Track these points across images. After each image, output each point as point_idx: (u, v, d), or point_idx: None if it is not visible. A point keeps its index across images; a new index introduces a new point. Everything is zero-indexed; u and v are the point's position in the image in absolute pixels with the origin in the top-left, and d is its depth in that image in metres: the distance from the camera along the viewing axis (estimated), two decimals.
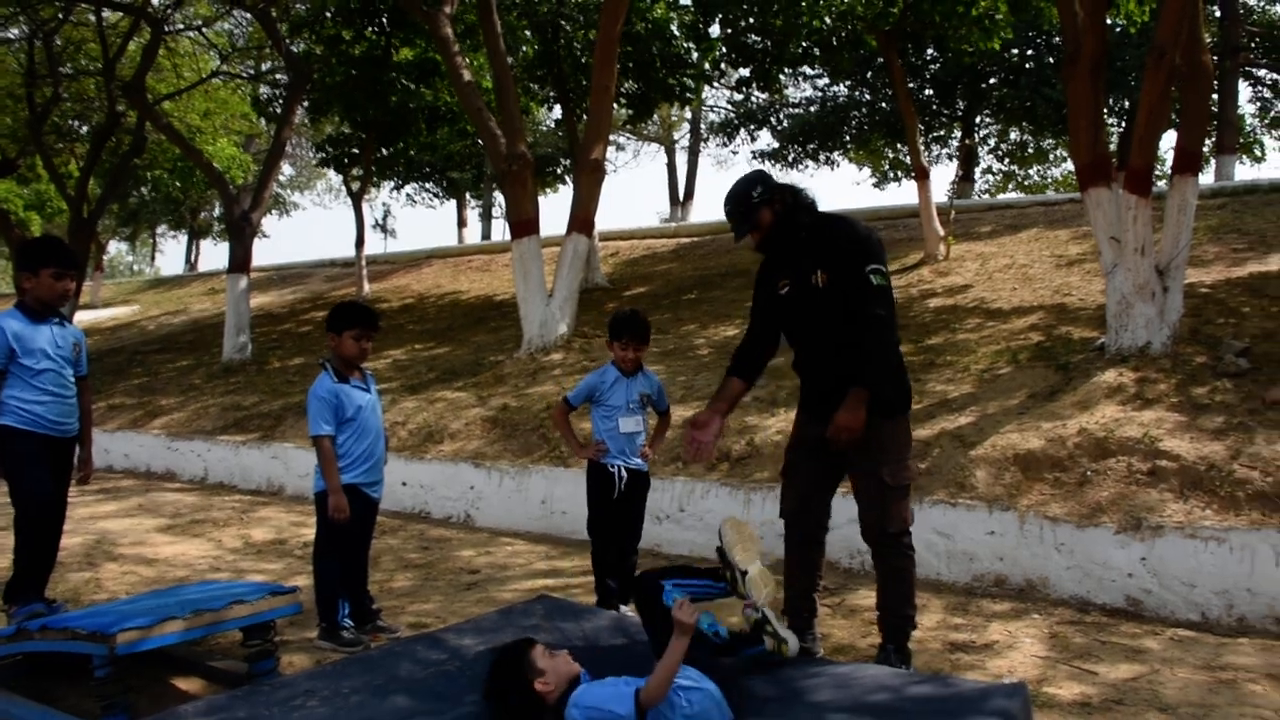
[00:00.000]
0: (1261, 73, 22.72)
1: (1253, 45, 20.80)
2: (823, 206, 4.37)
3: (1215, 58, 18.15)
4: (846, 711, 3.48)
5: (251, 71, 20.13)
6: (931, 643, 4.91)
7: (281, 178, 36.29)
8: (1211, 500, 5.58)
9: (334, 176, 30.48)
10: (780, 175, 12.70)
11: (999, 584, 5.89)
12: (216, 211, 31.83)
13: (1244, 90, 22.63)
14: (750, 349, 4.52)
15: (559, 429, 5.46)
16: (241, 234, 15.84)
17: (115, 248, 57.19)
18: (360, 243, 19.45)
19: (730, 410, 4.49)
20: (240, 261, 15.77)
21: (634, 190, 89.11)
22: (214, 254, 46.39)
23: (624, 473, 5.26)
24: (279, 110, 17.42)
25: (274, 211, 37.92)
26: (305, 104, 17.50)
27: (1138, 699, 4.15)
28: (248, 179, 21.52)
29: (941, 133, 25.27)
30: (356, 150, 19.49)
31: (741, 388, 4.48)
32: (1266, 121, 24.07)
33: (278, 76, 19.07)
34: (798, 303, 4.26)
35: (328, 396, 5.03)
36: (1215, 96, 18.24)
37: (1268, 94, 23.52)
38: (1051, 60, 20.88)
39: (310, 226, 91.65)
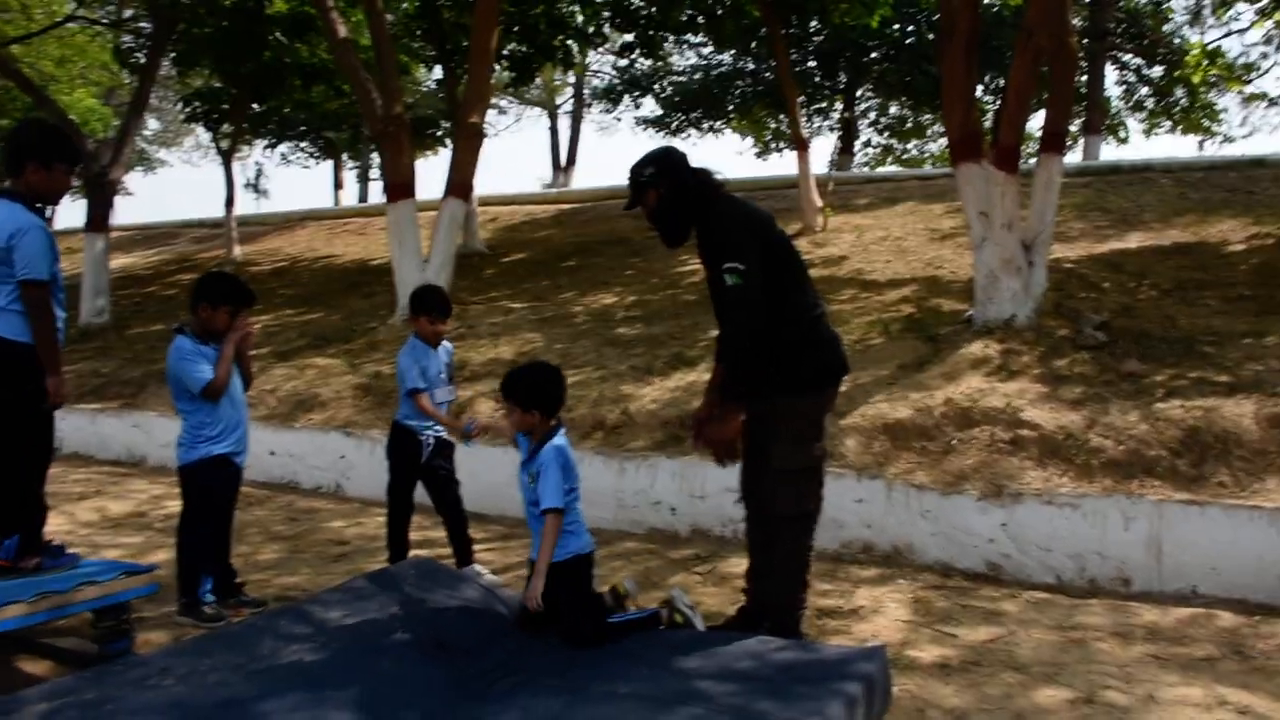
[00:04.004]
0: (1127, 57, 23.52)
1: (1119, 30, 21.51)
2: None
3: (1084, 41, 18.79)
4: (711, 678, 3.51)
5: (111, 17, 19.03)
6: None
7: (146, 133, 34.76)
8: (1068, 468, 5.78)
9: (203, 133, 29.26)
10: (662, 142, 12.63)
11: (866, 550, 6.01)
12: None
13: (1111, 74, 23.44)
14: None
15: (434, 414, 5.43)
16: (100, 191, 15.11)
17: None
18: (230, 203, 18.74)
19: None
20: (98, 220, 15.04)
21: (516, 155, 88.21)
22: (72, 211, 44.33)
23: (432, 440, 5.46)
24: (142, 61, 16.58)
25: (139, 168, 36.38)
26: (171, 55, 16.72)
27: (994, 660, 4.29)
28: (108, 133, 20.44)
29: (823, 105, 25.52)
30: (226, 106, 18.68)
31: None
32: (1131, 104, 24.97)
33: (141, 25, 18.07)
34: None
35: (197, 351, 4.87)
36: (1084, 79, 18.87)
37: (1132, 78, 24.40)
38: (931, 37, 21.24)
39: (178, 185, 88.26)
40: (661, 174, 4.20)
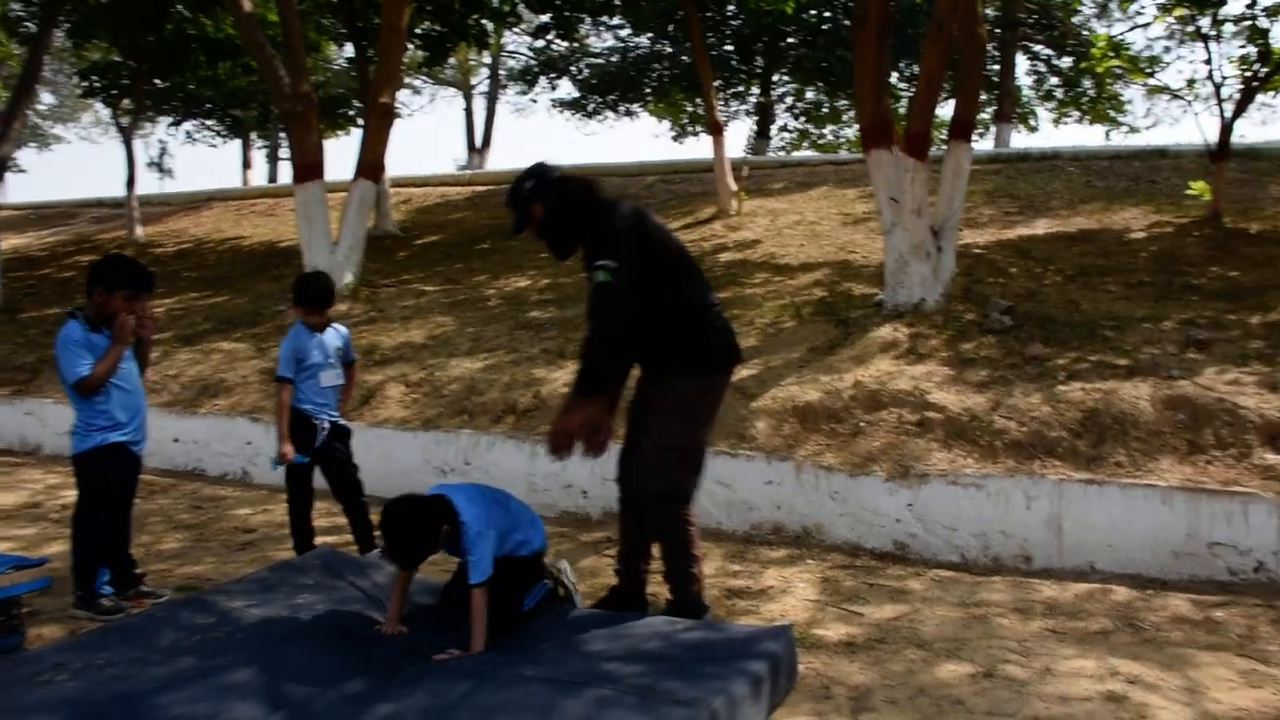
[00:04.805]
0: (1038, 47, 24.02)
1: (1030, 21, 21.94)
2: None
3: (996, 31, 19.14)
4: (618, 659, 3.52)
5: None
6: (710, 590, 5.00)
7: (41, 107, 33.53)
8: (973, 449, 5.90)
9: (102, 109, 28.35)
10: (580, 126, 12.55)
11: (776, 531, 6.06)
12: None
13: (1022, 63, 23.93)
14: None
15: (281, 413, 5.34)
16: None
17: None
18: (131, 182, 18.15)
19: (614, 409, 4.35)
20: None
21: (430, 136, 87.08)
22: None
23: (326, 424, 5.41)
24: (33, 31, 15.91)
25: (32, 145, 35.12)
26: (65, 26, 16.10)
27: (899, 637, 4.36)
28: None
29: (740, 89, 25.64)
30: (126, 81, 18.10)
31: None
32: (1041, 94, 25.51)
33: None
34: None
35: (82, 340, 4.68)
36: (996, 68, 19.22)
37: (1043, 68, 24.92)
38: (847, 23, 21.45)
39: (76, 162, 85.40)
40: (543, 185, 4.18)
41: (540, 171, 4.22)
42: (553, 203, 4.16)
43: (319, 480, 5.47)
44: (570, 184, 4.21)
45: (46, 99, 33.73)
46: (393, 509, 3.84)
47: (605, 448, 4.16)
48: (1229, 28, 9.89)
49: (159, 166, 32.49)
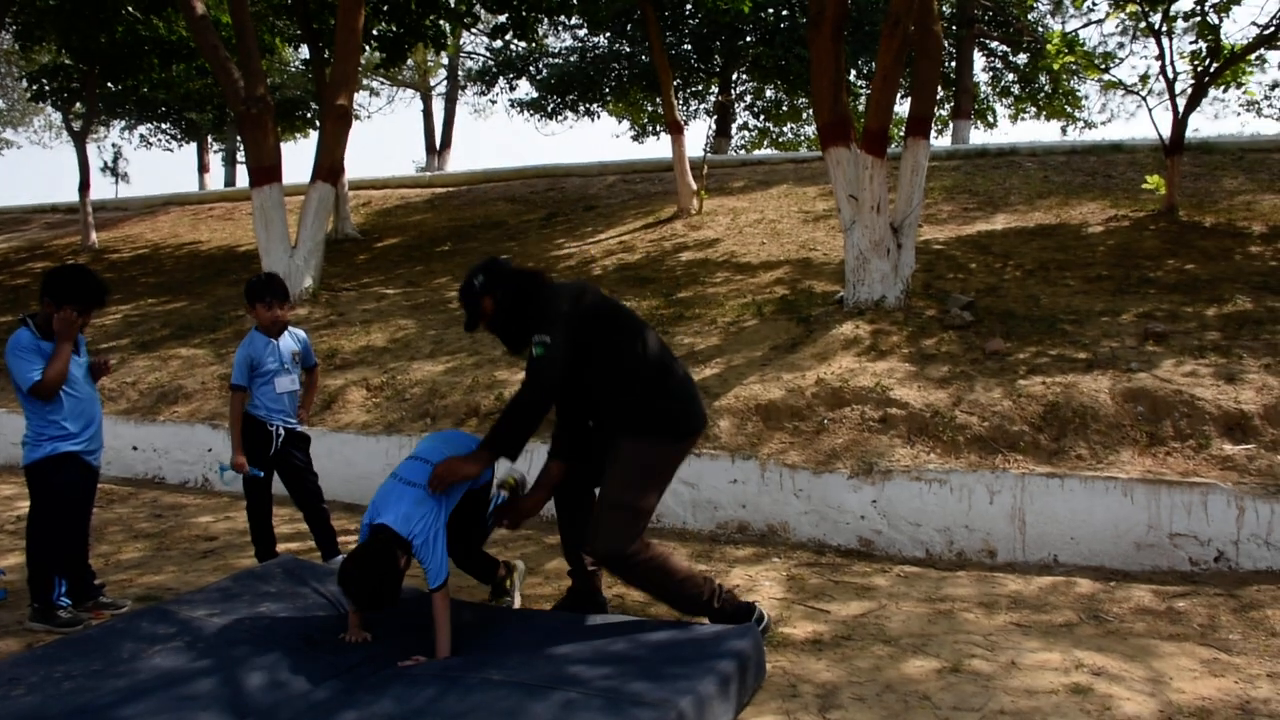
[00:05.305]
0: (994, 44, 24.24)
1: (986, 18, 22.13)
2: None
3: (952, 28, 19.29)
4: (585, 662, 3.51)
5: None
6: None
7: None
8: (935, 445, 5.92)
9: (54, 113, 27.92)
10: (540, 126, 12.50)
11: (742, 530, 6.06)
12: None
13: (979, 60, 24.12)
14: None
15: (234, 421, 5.31)
16: None
17: None
18: (85, 187, 17.87)
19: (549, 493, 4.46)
20: None
21: (389, 138, 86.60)
22: None
23: (282, 431, 5.35)
24: None
25: None
26: (12, 28, 15.83)
27: (865, 633, 4.36)
28: None
29: (699, 88, 25.67)
30: (78, 84, 17.85)
31: (559, 469, 4.43)
32: (998, 90, 25.75)
33: None
34: None
35: (31, 346, 4.61)
36: (954, 65, 19.36)
37: (999, 64, 25.16)
38: (805, 21, 21.51)
39: (27, 167, 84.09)
40: (492, 279, 4.19)
41: (490, 266, 4.24)
42: (503, 297, 4.16)
43: (280, 487, 5.42)
44: (520, 276, 4.21)
45: None
46: (347, 571, 3.81)
47: (517, 526, 4.40)
48: (1180, 24, 10.04)
49: (113, 171, 32.06)
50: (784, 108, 28.19)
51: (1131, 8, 10.61)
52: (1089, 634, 4.31)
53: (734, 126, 27.75)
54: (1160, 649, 4.10)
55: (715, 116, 23.71)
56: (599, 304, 4.20)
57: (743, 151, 28.57)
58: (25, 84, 20.23)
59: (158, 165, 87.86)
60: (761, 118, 29.08)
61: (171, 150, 32.59)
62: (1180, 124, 9.86)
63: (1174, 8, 9.85)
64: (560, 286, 4.21)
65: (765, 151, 28.98)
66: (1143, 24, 10.63)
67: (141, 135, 29.14)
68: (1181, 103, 9.91)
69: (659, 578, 4.08)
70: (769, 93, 27.43)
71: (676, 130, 13.31)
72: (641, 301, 9.08)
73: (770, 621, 4.21)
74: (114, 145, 42.95)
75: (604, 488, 4.07)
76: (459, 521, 4.19)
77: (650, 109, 27.08)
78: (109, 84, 18.16)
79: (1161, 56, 9.87)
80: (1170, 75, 9.86)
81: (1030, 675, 3.84)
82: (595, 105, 26.09)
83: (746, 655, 3.56)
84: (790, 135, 30.92)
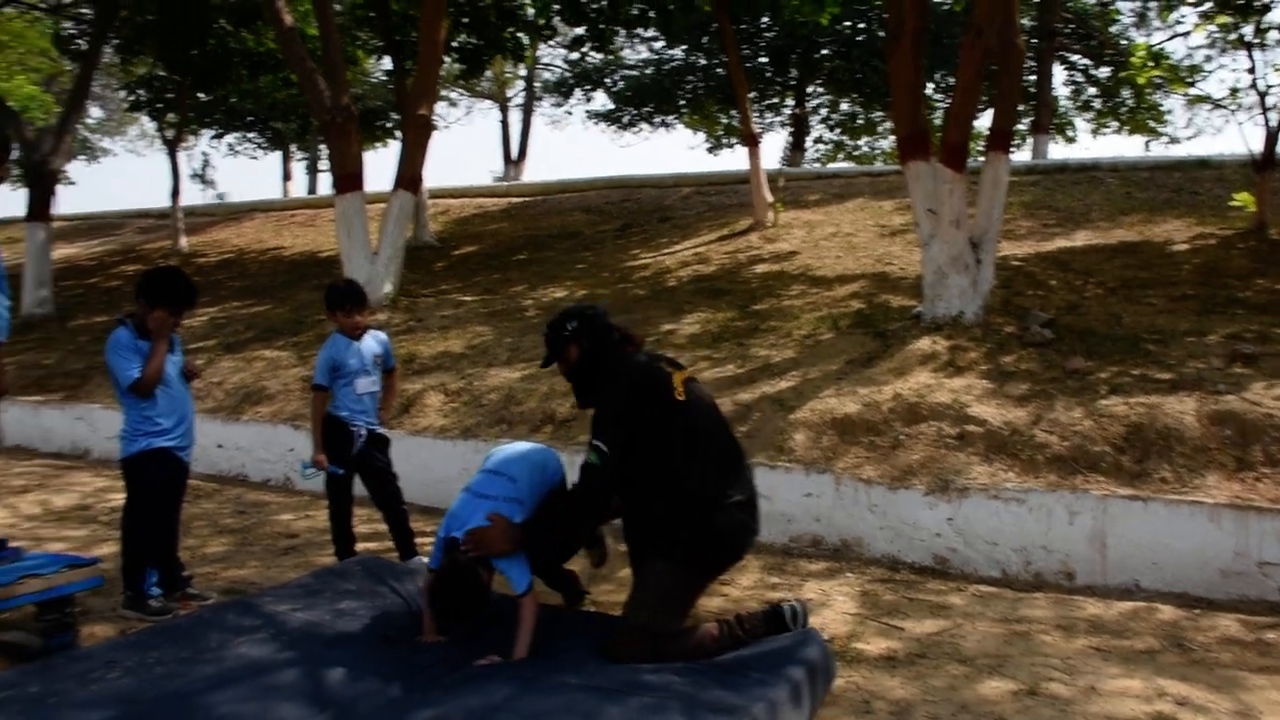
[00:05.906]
0: (1075, 57, 23.85)
1: (1067, 30, 21.81)
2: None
3: (1033, 40, 19.02)
4: (658, 670, 3.53)
5: (50, 3, 18.58)
6: (749, 602, 5.00)
7: (89, 121, 34.04)
8: (1014, 463, 5.84)
9: (148, 122, 28.75)
10: (615, 138, 12.59)
11: (815, 544, 6.04)
12: (15, 155, 29.69)
13: (1059, 73, 23.76)
14: None
15: (315, 420, 5.45)
16: (41, 180, 14.83)
17: None
18: (176, 193, 18.46)
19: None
20: (40, 209, 14.76)
21: (467, 148, 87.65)
22: (13, 200, 43.42)
23: (364, 432, 5.45)
24: (84, 48, 16.23)
25: (81, 157, 35.67)
26: (114, 43, 16.38)
27: (940, 652, 4.32)
28: (49, 120, 20.03)
29: (775, 101, 25.63)
30: (171, 95, 18.40)
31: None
32: (1079, 104, 25.33)
33: (82, 10, 17.65)
34: None
35: (130, 345, 4.79)
36: (1034, 78, 19.09)
37: (1080, 78, 24.74)
38: (882, 34, 21.39)
39: (123, 174, 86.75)
40: (584, 330, 4.14)
41: (585, 314, 4.17)
42: (587, 352, 4.13)
43: (360, 488, 5.52)
44: (609, 338, 4.16)
45: (95, 113, 34.26)
46: (435, 589, 3.93)
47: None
48: (1273, 35, 9.79)
49: (202, 178, 32.93)
50: (859, 121, 28.04)
51: (1221, 19, 10.37)
52: (1172, 662, 4.22)
53: (809, 139, 27.65)
54: (1249, 681, 4.00)
55: (791, 129, 23.64)
56: (673, 404, 3.91)
57: (818, 164, 28.43)
58: (123, 95, 20.87)
59: (244, 173, 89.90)
60: (837, 131, 28.93)
61: (257, 159, 33.45)
62: (1272, 139, 9.61)
63: (1266, 19, 9.62)
64: (635, 370, 4.01)
65: (841, 164, 28.79)
66: (1233, 36, 10.39)
67: (229, 144, 29.94)
68: (1273, 117, 9.66)
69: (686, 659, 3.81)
70: (844, 106, 27.30)
71: (752, 143, 13.29)
72: (717, 314, 9.09)
73: (801, 609, 3.99)
74: (203, 153, 44.14)
75: (628, 601, 3.90)
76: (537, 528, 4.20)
77: (725, 121, 27.08)
78: (200, 94, 18.69)
79: (1253, 69, 9.64)
80: (1262, 89, 9.62)
81: (1111, 701, 3.77)
82: (670, 117, 26.19)
83: (816, 662, 3.59)
84: (865, 149, 30.73)
